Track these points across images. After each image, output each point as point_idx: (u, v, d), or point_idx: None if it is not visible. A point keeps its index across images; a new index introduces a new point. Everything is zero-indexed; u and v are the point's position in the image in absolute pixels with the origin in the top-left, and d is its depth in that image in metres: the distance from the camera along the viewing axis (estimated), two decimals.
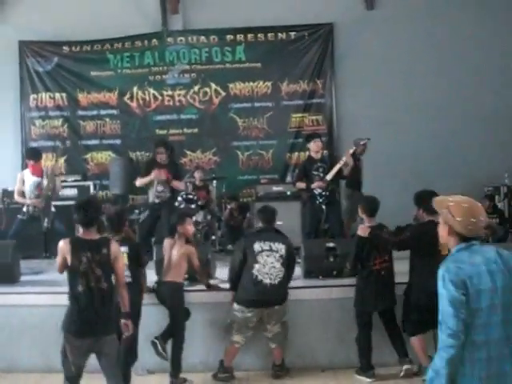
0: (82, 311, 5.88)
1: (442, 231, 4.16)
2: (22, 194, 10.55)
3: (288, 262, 7.73)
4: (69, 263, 5.95)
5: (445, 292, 3.85)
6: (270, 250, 7.59)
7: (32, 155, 10.79)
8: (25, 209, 10.50)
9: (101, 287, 5.91)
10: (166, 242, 8.01)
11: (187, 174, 13.32)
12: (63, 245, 6.04)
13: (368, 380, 7.75)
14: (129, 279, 7.59)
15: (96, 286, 5.90)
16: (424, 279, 7.21)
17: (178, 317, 7.71)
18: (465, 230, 3.97)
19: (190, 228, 7.98)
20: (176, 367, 7.65)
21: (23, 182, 10.59)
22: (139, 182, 11.40)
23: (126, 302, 6.34)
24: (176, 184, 11.25)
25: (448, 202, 4.09)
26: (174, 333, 7.68)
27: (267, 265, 7.49)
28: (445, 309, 3.85)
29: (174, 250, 7.82)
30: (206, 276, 8.22)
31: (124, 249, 7.51)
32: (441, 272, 3.93)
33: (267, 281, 7.45)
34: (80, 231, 6.23)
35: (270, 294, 7.48)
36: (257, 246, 7.60)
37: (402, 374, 7.69)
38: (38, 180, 10.54)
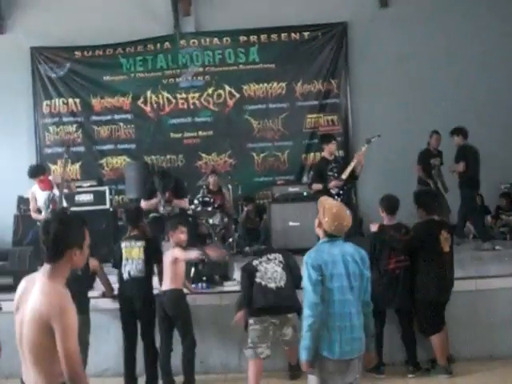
0: None
1: (315, 223, 5.23)
2: (38, 211, 10.44)
3: (289, 267, 7.60)
4: None
5: (306, 273, 4.95)
6: (268, 259, 7.52)
7: (36, 173, 10.53)
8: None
9: None
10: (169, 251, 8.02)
11: (202, 177, 13.30)
12: None
13: (377, 377, 7.74)
14: (142, 274, 7.60)
15: None
16: (430, 275, 7.54)
17: (186, 322, 7.66)
18: (329, 229, 5.07)
19: (183, 236, 7.84)
20: (190, 375, 7.57)
21: (36, 200, 10.48)
22: (144, 204, 11.02)
23: None
24: (177, 202, 10.86)
25: (324, 204, 5.24)
26: (183, 339, 7.64)
27: (268, 271, 7.37)
28: (306, 286, 4.96)
29: (166, 258, 7.76)
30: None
31: (140, 243, 7.59)
32: (305, 258, 5.04)
33: (272, 284, 7.29)
34: None
35: (280, 298, 7.24)
36: (255, 262, 7.55)
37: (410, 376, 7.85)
38: (50, 193, 10.41)
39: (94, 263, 7.68)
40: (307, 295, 4.93)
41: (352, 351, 4.98)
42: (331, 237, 5.09)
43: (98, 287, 8.18)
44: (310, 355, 4.93)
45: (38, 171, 10.40)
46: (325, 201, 5.34)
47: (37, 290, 3.61)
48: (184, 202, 10.75)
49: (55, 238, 3.62)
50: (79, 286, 6.57)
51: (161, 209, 10.44)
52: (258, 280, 7.35)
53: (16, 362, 3.87)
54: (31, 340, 3.57)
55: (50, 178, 10.62)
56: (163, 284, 7.66)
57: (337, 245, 5.08)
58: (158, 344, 7.68)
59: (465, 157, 11.67)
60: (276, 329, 7.36)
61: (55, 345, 3.50)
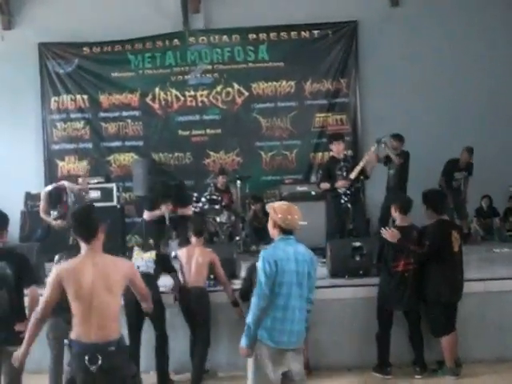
0: None
1: (269, 225, 5.55)
2: (48, 212, 10.49)
3: None
4: None
5: (262, 266, 5.29)
6: None
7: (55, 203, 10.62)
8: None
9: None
10: (185, 249, 8.12)
11: (210, 175, 13.30)
12: None
13: (383, 377, 7.70)
14: (151, 271, 7.61)
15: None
16: (442, 276, 7.49)
17: (206, 321, 7.75)
18: (283, 224, 5.39)
19: None
20: (199, 373, 7.54)
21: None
22: (148, 216, 11.02)
23: None
24: (182, 211, 10.88)
25: (274, 205, 5.60)
26: (203, 337, 7.70)
27: None
28: (260, 278, 5.29)
29: (197, 257, 7.84)
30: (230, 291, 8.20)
31: (152, 251, 7.72)
32: (262, 253, 5.40)
33: None
34: None
35: None
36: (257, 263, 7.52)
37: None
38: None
39: None
40: (259, 286, 5.28)
41: (289, 343, 5.29)
42: (286, 234, 5.42)
43: None
44: (251, 342, 5.28)
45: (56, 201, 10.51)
46: (273, 204, 5.70)
47: (100, 266, 4.76)
48: (188, 210, 10.80)
49: (90, 224, 4.82)
50: None
51: (167, 221, 10.53)
52: (255, 279, 7.32)
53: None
54: (108, 303, 4.71)
55: (66, 183, 10.64)
56: (189, 281, 7.81)
57: (291, 243, 5.42)
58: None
59: (407, 162, 12.11)
60: None
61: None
